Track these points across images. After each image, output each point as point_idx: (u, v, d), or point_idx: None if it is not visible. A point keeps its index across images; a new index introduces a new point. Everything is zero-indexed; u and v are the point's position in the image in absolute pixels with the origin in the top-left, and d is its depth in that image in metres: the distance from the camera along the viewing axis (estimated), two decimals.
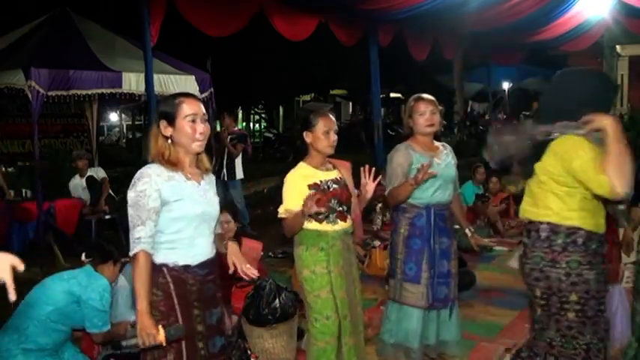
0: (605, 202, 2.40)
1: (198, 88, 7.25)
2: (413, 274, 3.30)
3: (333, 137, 2.92)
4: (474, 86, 17.59)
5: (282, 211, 2.90)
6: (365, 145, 15.92)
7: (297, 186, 2.88)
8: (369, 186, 2.96)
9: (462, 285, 3.84)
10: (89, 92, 6.59)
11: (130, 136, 21.11)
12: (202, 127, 2.24)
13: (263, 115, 23.58)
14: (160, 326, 2.12)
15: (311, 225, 2.90)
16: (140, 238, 2.17)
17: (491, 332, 4.13)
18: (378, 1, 6.57)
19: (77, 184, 6.90)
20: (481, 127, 15.68)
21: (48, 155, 8.44)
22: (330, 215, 2.90)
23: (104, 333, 3.09)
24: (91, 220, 6.50)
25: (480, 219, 6.77)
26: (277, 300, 3.55)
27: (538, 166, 2.44)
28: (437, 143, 3.42)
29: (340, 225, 2.95)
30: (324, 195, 2.85)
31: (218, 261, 2.45)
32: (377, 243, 5.70)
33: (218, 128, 7.67)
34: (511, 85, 17.48)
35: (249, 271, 2.42)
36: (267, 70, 16.20)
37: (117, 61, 6.86)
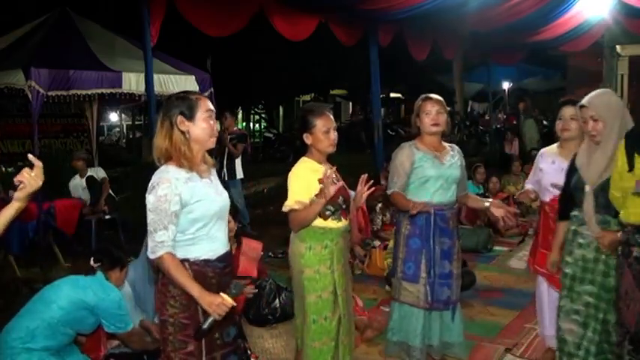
0: None
1: (198, 88, 7.24)
2: (411, 273, 3.31)
3: (334, 136, 2.92)
4: (474, 86, 17.57)
5: (291, 203, 2.84)
6: (365, 145, 15.92)
7: (307, 178, 2.85)
8: (364, 194, 2.94)
9: (462, 285, 3.83)
10: (89, 92, 6.58)
11: (130, 136, 21.10)
12: (216, 125, 2.37)
13: (263, 115, 23.56)
14: (220, 294, 2.23)
15: (316, 221, 2.87)
16: (164, 242, 2.24)
17: (491, 332, 4.13)
18: (378, 1, 6.57)
19: (77, 184, 6.89)
20: (481, 127, 15.68)
21: (48, 155, 8.44)
22: (336, 212, 2.90)
23: (130, 331, 3.17)
24: (91, 220, 6.50)
25: (480, 219, 6.76)
26: (277, 300, 3.55)
27: None
28: (445, 144, 3.42)
29: (343, 222, 2.95)
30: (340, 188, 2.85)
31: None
32: (377, 243, 5.70)
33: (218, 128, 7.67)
34: (511, 85, 17.46)
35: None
36: (267, 70, 16.19)
37: (117, 61, 6.85)
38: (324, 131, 2.88)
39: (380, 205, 6.45)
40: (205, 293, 2.22)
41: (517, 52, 11.17)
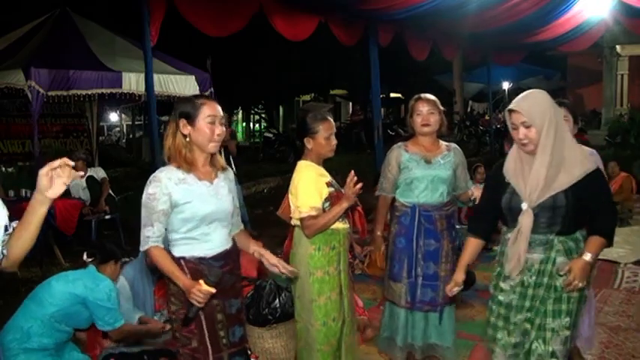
0: None
1: (198, 88, 7.24)
2: (395, 271, 3.34)
3: (334, 141, 2.93)
4: (474, 86, 17.58)
5: (306, 209, 2.79)
6: (365, 145, 15.93)
7: (317, 183, 2.85)
8: (353, 191, 2.81)
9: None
10: (89, 92, 6.58)
11: (130, 136, 21.12)
12: (220, 129, 2.36)
13: (263, 115, 23.58)
14: (199, 280, 2.25)
15: None
16: (149, 237, 2.32)
17: None
18: (378, 1, 6.57)
19: (77, 184, 6.89)
20: (481, 127, 15.67)
21: (48, 155, 8.44)
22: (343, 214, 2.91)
23: (118, 329, 3.14)
24: (91, 220, 6.50)
25: None
26: (277, 300, 3.55)
27: None
28: (442, 143, 3.40)
29: (347, 224, 2.96)
30: (339, 192, 2.86)
31: (236, 251, 2.54)
32: None
33: None
34: (511, 85, 17.47)
35: (286, 269, 2.57)
36: (267, 70, 16.20)
37: (117, 61, 6.85)
38: (325, 137, 2.88)
39: None
40: (187, 281, 2.27)
41: (517, 52, 11.17)
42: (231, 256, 2.48)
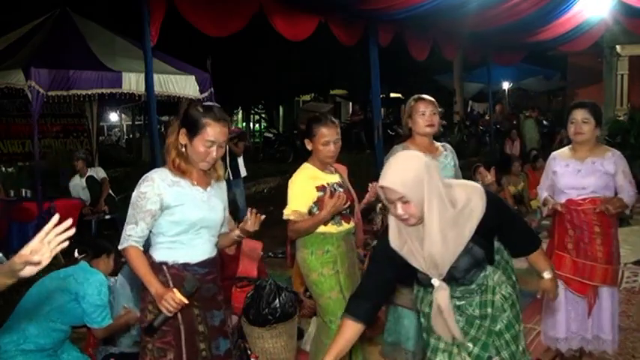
0: None
1: (198, 88, 7.25)
2: None
3: (333, 148, 2.93)
4: (474, 86, 17.56)
5: (288, 212, 2.88)
6: (365, 145, 15.93)
7: (305, 187, 2.88)
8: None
9: None
10: (89, 92, 6.59)
11: (130, 136, 21.12)
12: (215, 153, 2.30)
13: (263, 115, 23.56)
14: (173, 288, 2.18)
15: None
16: (131, 235, 2.26)
17: None
18: (378, 1, 6.57)
19: (77, 184, 6.90)
20: (481, 127, 15.68)
21: (48, 155, 8.45)
22: (336, 217, 2.91)
23: (105, 328, 3.10)
24: (91, 220, 6.50)
25: None
26: (277, 300, 3.55)
27: None
28: (437, 144, 3.41)
29: (344, 226, 2.97)
30: (332, 197, 2.85)
31: (219, 261, 2.47)
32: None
33: None
34: (511, 85, 17.47)
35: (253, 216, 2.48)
36: (267, 70, 16.20)
37: (117, 61, 6.85)
38: (322, 142, 2.91)
39: (380, 204, 6.44)
40: (160, 287, 2.19)
41: (517, 52, 11.16)
42: (215, 265, 2.43)
